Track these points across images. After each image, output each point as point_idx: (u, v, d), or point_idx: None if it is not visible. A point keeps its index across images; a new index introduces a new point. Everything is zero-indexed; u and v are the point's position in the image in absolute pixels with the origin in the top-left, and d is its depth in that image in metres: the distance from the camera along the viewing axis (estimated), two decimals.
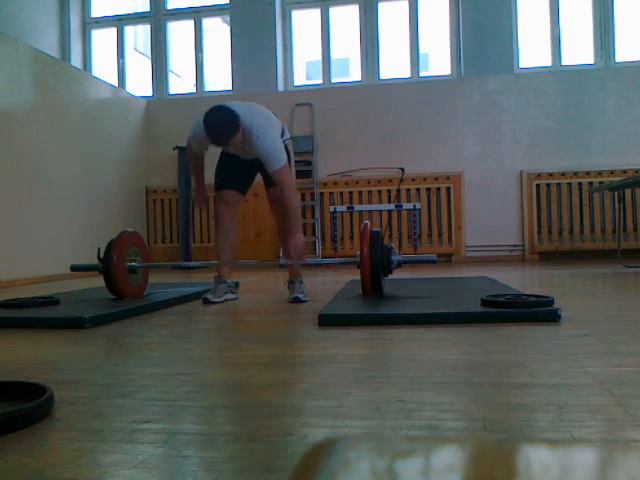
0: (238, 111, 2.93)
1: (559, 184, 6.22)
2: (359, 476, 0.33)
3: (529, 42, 6.70)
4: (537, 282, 4.10)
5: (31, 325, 2.52)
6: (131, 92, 6.96)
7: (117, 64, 7.41)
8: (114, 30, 7.41)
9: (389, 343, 1.99)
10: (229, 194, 3.30)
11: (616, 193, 5.51)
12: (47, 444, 1.07)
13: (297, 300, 3.12)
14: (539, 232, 6.28)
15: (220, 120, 2.89)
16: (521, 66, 6.55)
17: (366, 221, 3.06)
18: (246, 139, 2.98)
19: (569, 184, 6.21)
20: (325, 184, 6.60)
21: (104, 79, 6.43)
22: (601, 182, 6.04)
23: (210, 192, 3.43)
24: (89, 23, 7.38)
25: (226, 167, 3.32)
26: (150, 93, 7.29)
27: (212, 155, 3.37)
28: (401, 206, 6.14)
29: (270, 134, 3.01)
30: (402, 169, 6.36)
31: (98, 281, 3.74)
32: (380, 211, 6.43)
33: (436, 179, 6.41)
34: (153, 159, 6.98)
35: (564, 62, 6.50)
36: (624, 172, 6.05)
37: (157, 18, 7.26)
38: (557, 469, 0.33)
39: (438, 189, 6.40)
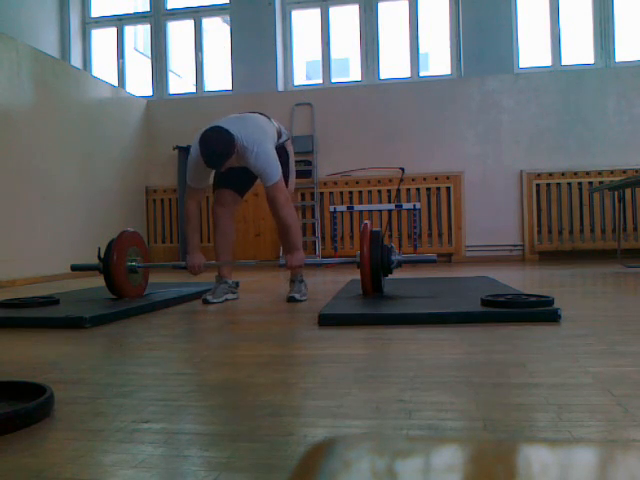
0: (232, 129, 2.89)
1: (559, 184, 6.22)
2: (359, 476, 0.33)
3: (529, 42, 6.70)
4: (537, 282, 4.10)
5: (31, 325, 2.52)
6: (131, 92, 6.95)
7: (117, 64, 7.41)
8: (114, 30, 7.41)
9: (389, 343, 1.99)
10: (226, 194, 3.29)
11: (616, 193, 5.52)
12: (47, 444, 1.07)
13: (292, 299, 3.11)
14: (539, 232, 6.27)
15: (215, 142, 2.84)
16: (521, 66, 6.54)
17: (366, 221, 3.05)
18: (240, 154, 2.94)
19: (569, 184, 6.21)
20: (325, 184, 6.60)
21: (104, 79, 6.42)
22: (601, 182, 6.04)
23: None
24: (89, 23, 7.38)
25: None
26: (150, 93, 7.29)
27: None
28: (401, 206, 6.14)
29: (264, 147, 2.95)
30: (402, 169, 6.36)
31: (98, 281, 3.74)
32: (380, 211, 6.43)
33: (436, 179, 6.41)
34: (153, 159, 6.98)
35: (564, 62, 6.50)
36: (624, 172, 6.05)
37: (157, 18, 7.26)
38: (557, 469, 0.33)
39: (438, 189, 6.40)
